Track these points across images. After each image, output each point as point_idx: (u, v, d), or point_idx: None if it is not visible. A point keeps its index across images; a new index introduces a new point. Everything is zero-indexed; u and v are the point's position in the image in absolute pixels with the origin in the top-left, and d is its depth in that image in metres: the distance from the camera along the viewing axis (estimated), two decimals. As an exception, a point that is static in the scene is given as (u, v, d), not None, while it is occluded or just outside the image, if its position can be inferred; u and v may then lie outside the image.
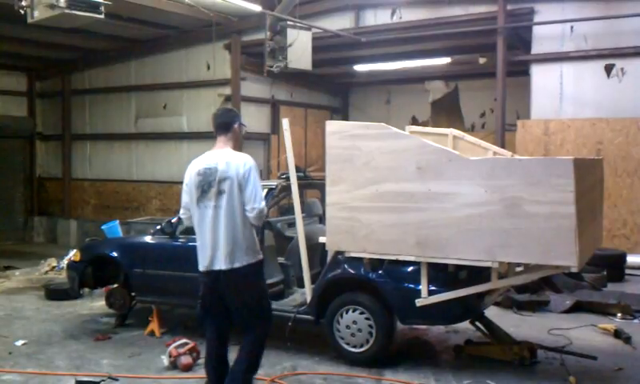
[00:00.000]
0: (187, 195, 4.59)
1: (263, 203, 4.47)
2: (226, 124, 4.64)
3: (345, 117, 16.02)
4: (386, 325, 5.65)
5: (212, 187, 4.41)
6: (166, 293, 6.85)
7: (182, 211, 4.71)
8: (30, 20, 6.69)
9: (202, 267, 4.53)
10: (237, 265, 4.43)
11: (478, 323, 6.12)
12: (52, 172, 15.96)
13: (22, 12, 6.66)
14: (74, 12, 6.47)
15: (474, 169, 5.00)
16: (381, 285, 5.60)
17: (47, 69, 15.54)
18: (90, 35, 12.39)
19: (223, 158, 4.48)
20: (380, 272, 5.60)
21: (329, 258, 5.79)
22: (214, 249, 4.42)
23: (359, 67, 13.82)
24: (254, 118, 12.54)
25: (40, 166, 16.15)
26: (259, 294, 4.64)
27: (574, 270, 4.87)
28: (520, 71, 10.88)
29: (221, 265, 4.42)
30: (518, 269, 5.39)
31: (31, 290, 9.32)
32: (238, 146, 4.71)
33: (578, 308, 7.64)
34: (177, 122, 13.50)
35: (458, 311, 5.57)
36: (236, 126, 4.67)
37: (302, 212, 6.08)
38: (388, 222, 5.28)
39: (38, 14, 6.58)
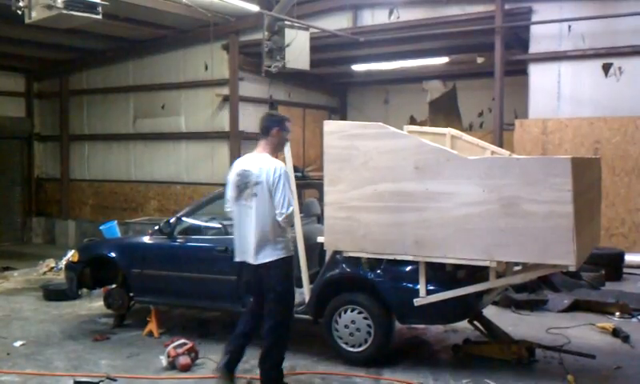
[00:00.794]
0: (230, 191, 5.07)
1: (291, 208, 4.86)
2: (265, 128, 5.05)
3: (343, 117, 15.99)
4: (385, 324, 5.65)
5: (247, 188, 4.89)
6: (165, 293, 6.85)
7: (227, 205, 5.16)
8: (27, 20, 6.67)
9: (238, 258, 5.04)
10: (265, 260, 4.87)
11: (476, 322, 6.13)
12: (50, 173, 15.94)
13: (20, 12, 6.64)
14: (71, 12, 6.46)
15: (471, 168, 5.00)
16: (379, 284, 5.61)
17: (45, 69, 15.51)
18: (87, 36, 12.38)
19: (258, 163, 4.92)
20: (378, 272, 5.60)
21: (327, 258, 5.80)
22: (247, 244, 4.92)
23: (357, 67, 13.80)
24: (251, 118, 12.49)
25: (38, 166, 16.12)
26: (285, 285, 4.97)
27: (572, 268, 4.87)
28: (518, 70, 10.88)
29: (251, 259, 4.91)
30: (516, 268, 5.39)
31: (29, 291, 9.31)
32: (277, 149, 5.07)
33: (576, 307, 7.65)
34: (175, 122, 13.49)
35: (456, 310, 5.57)
36: (274, 130, 5.02)
37: (301, 212, 6.09)
38: (386, 222, 5.28)
39: (36, 15, 6.56)
